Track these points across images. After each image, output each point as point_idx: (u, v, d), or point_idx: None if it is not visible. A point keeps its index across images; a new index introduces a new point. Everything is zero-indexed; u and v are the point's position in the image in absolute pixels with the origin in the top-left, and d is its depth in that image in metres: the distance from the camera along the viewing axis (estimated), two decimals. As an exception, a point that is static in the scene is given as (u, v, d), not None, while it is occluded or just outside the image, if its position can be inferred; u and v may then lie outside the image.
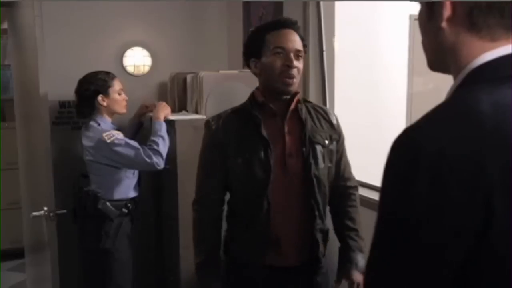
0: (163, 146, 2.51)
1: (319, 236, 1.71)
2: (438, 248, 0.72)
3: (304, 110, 1.72)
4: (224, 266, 1.82)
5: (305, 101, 1.79)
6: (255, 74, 1.73)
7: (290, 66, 1.62)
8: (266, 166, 1.65)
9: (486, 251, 0.71)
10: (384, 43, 2.97)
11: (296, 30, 1.68)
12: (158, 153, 2.48)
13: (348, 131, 2.67)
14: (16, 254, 4.03)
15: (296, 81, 1.66)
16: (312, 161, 1.67)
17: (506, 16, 0.78)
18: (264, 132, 1.67)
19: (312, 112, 1.76)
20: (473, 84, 0.78)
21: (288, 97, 1.69)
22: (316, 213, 1.70)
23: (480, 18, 0.78)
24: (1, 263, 4.09)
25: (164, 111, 2.61)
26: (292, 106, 1.69)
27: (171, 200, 2.68)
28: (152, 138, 2.52)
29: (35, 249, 3.00)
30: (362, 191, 2.22)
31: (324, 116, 1.78)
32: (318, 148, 1.70)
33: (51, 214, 2.37)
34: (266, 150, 1.66)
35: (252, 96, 1.75)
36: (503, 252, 0.71)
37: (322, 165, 1.70)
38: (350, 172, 1.87)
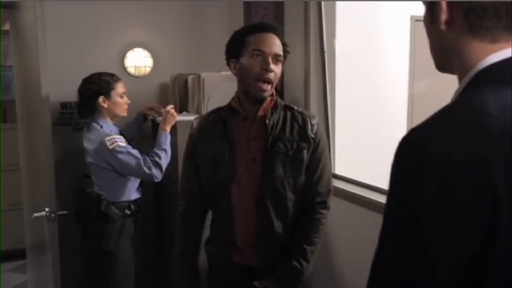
0: (165, 160, 2.53)
1: (263, 243, 1.71)
2: (445, 252, 0.72)
3: (275, 116, 1.71)
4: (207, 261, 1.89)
5: (287, 107, 1.77)
6: (235, 75, 1.74)
7: (267, 69, 1.62)
8: (230, 168, 1.68)
9: (492, 254, 0.71)
10: (385, 44, 2.97)
11: (278, 34, 1.69)
12: (158, 165, 2.49)
13: (349, 132, 2.68)
14: (17, 255, 4.04)
15: (271, 86, 1.67)
16: (268, 168, 1.67)
17: (503, 17, 0.77)
18: (230, 135, 1.70)
19: (288, 118, 1.73)
20: (480, 86, 0.77)
21: (261, 101, 1.70)
22: (270, 219, 1.69)
23: (477, 21, 0.78)
24: (1, 264, 4.10)
25: (171, 122, 2.60)
26: (260, 112, 1.70)
27: (172, 201, 2.68)
28: (156, 150, 2.53)
29: (36, 250, 3.00)
30: (363, 192, 2.22)
31: (300, 125, 1.73)
32: (278, 157, 1.67)
33: (52, 215, 2.37)
34: (230, 152, 1.69)
35: (232, 99, 1.78)
36: (509, 255, 0.71)
37: (281, 174, 1.67)
38: (323, 187, 1.76)
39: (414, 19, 2.93)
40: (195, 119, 1.86)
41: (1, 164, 4.28)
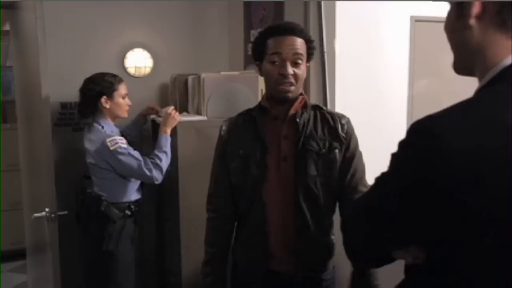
0: (165, 162, 2.52)
1: (301, 245, 1.69)
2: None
3: (305, 115, 1.71)
4: (231, 265, 1.85)
5: (317, 107, 1.77)
6: (261, 76, 1.77)
7: (284, 75, 1.64)
8: (261, 167, 1.68)
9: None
10: (385, 44, 2.98)
11: (298, 34, 1.66)
12: (159, 167, 2.49)
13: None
14: (17, 255, 4.04)
15: (295, 87, 1.67)
16: (301, 167, 1.67)
17: None
18: (261, 134, 1.70)
19: (319, 118, 1.74)
20: (500, 84, 0.78)
21: (289, 101, 1.70)
22: (300, 222, 1.68)
23: (510, 16, 0.78)
24: (2, 264, 4.10)
25: (172, 124, 2.57)
26: (292, 111, 1.70)
27: (172, 202, 2.68)
28: (156, 152, 2.52)
29: (36, 250, 3.00)
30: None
31: (330, 124, 1.73)
32: (311, 155, 1.67)
33: (53, 215, 2.38)
34: (262, 151, 1.69)
35: (261, 98, 1.80)
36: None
37: (314, 173, 1.67)
38: (359, 184, 1.73)
39: (414, 19, 2.93)
40: (224, 121, 1.84)
41: (1, 164, 4.28)
